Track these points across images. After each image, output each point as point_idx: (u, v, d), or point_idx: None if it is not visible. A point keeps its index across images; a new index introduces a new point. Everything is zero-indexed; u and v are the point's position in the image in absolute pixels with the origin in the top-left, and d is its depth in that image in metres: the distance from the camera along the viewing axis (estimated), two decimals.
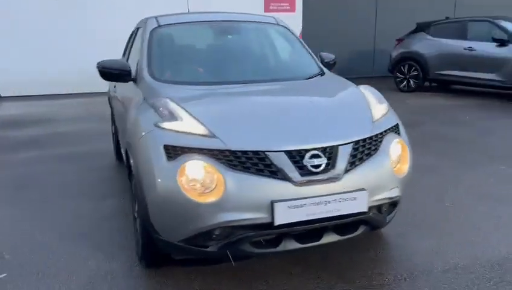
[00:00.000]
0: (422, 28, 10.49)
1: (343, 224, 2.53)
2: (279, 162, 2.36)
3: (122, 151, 4.15)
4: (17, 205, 4.02)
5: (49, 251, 3.17)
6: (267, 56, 3.83)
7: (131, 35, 4.50)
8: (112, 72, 3.37)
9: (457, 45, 9.58)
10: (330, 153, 2.45)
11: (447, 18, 10.67)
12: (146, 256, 2.81)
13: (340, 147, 2.47)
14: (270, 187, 2.33)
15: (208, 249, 2.46)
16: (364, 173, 2.50)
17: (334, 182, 2.41)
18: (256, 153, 2.37)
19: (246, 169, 2.35)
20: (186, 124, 2.51)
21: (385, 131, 2.74)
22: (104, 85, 5.11)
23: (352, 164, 2.49)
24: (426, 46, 10.11)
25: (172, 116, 2.56)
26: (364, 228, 2.66)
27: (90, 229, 3.51)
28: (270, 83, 3.27)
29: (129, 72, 3.36)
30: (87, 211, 3.87)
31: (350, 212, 2.45)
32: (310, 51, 3.84)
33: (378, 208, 2.65)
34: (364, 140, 2.58)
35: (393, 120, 2.89)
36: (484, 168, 4.84)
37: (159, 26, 3.67)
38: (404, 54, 10.54)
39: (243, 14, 4.03)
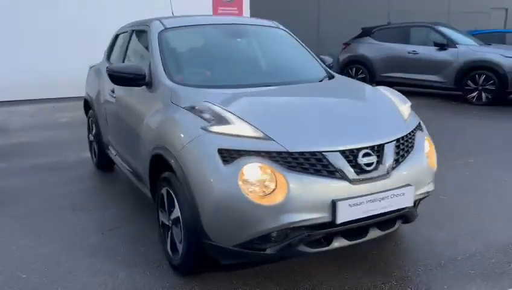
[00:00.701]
0: (367, 32, 11.04)
1: (385, 219, 2.64)
2: (335, 161, 2.42)
3: (118, 159, 3.99)
4: (14, 220, 3.72)
5: (66, 266, 2.98)
6: (279, 59, 3.87)
7: (124, 38, 4.32)
8: (125, 77, 3.25)
9: (402, 49, 10.20)
10: (378, 151, 2.55)
11: (389, 23, 11.31)
12: (187, 263, 2.73)
13: (386, 145, 2.59)
14: (330, 187, 2.38)
15: (266, 252, 2.45)
16: (407, 169, 2.63)
17: (385, 179, 2.52)
18: (313, 153, 2.41)
19: (304, 170, 2.38)
20: (238, 127, 2.49)
21: (415, 129, 2.90)
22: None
23: (397, 161, 2.62)
24: (372, 50, 10.67)
25: (222, 120, 2.53)
26: (400, 222, 2.79)
27: (103, 241, 3.34)
28: (292, 85, 3.32)
29: (144, 76, 3.25)
30: (91, 222, 3.67)
31: (400, 207, 2.57)
32: (313, 54, 3.94)
33: (415, 202, 2.79)
34: (403, 138, 2.72)
35: (417, 119, 3.07)
36: (456, 162, 5.23)
37: (166, 28, 3.58)
38: (351, 58, 11.04)
39: (244, 18, 4.04)
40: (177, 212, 2.71)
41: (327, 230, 2.43)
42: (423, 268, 2.93)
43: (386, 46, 10.50)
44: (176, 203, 2.69)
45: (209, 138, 2.47)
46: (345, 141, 2.50)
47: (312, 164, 2.40)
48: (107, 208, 3.97)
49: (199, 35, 3.78)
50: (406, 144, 2.73)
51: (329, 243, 2.52)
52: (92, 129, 4.98)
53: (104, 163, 4.93)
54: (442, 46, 9.63)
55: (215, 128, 2.50)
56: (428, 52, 9.84)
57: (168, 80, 3.17)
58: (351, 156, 2.47)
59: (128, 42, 4.11)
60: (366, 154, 2.50)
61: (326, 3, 14.13)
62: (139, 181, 3.56)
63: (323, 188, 2.37)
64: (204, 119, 2.58)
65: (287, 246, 2.43)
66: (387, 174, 2.53)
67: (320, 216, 2.38)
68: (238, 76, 3.42)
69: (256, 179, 2.33)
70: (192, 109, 2.70)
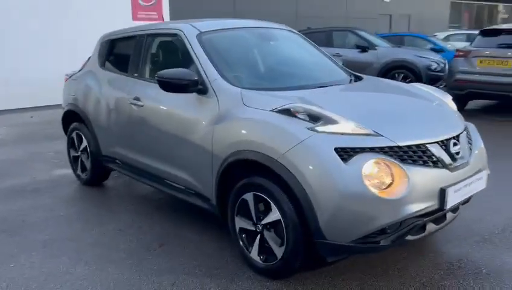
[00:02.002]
0: None
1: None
2: (437, 152, 2.63)
3: (138, 172, 3.72)
4: (37, 252, 3.31)
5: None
6: (311, 61, 3.95)
7: (131, 44, 4.03)
8: (178, 83, 3.12)
9: (327, 52, 10.84)
10: (458, 140, 2.82)
11: (309, 28, 11.94)
12: (290, 266, 2.74)
13: (461, 135, 2.87)
14: (437, 176, 2.59)
15: (381, 244, 2.56)
16: (476, 156, 2.94)
17: (468, 165, 2.79)
18: (418, 146, 2.59)
19: (414, 162, 2.55)
20: (345, 126, 2.57)
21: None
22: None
23: (470, 149, 2.91)
24: None
25: (328, 120, 2.58)
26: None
27: (155, 258, 3.14)
28: (343, 85, 3.45)
29: (197, 81, 3.14)
30: (136, 242, 3.41)
31: (479, 190, 2.87)
32: (329, 55, 4.12)
33: None
34: (465, 128, 3.02)
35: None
36: None
37: (202, 32, 3.48)
38: None
39: (260, 21, 4.06)
40: (274, 216, 2.69)
41: (435, 215, 2.62)
42: (475, 244, 3.27)
43: None
44: (274, 207, 2.67)
45: (321, 138, 2.52)
46: (439, 133, 2.73)
47: (419, 156, 2.58)
48: (141, 221, 3.72)
49: (236, 38, 3.72)
50: (468, 134, 3.04)
51: (424, 229, 2.72)
52: (80, 143, 4.57)
53: (97, 178, 4.57)
54: (364, 49, 10.46)
55: (325, 128, 2.55)
56: (351, 54, 10.60)
57: (228, 84, 3.11)
58: (444, 146, 2.69)
59: (144, 48, 3.87)
60: (454, 144, 2.74)
61: (242, 7, 14.40)
62: (182, 192, 3.41)
63: (433, 177, 2.57)
64: (304, 120, 2.61)
65: (399, 236, 2.57)
66: (468, 161, 2.81)
67: (432, 204, 2.57)
68: (289, 78, 3.47)
69: (376, 175, 2.44)
70: (285, 111, 2.70)
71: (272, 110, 2.77)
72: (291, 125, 2.64)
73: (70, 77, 4.82)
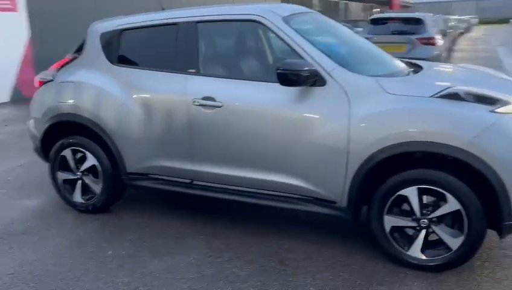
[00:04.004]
0: None
1: None
2: None
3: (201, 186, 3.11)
4: None
5: None
6: (364, 47, 3.75)
7: (160, 33, 3.33)
8: (301, 75, 2.74)
9: None
10: None
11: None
12: (467, 255, 2.70)
13: None
14: None
15: None
16: None
17: None
18: None
19: None
20: None
21: None
22: None
23: None
24: None
25: (503, 101, 2.59)
26: None
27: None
28: (424, 71, 3.35)
29: (316, 72, 2.80)
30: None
31: None
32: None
33: None
34: None
35: None
36: None
37: (285, 17, 3.06)
38: None
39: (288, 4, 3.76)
40: (448, 208, 2.62)
41: None
42: None
43: None
44: (451, 198, 2.59)
45: (509, 120, 2.53)
46: None
47: None
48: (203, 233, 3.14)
49: (314, 23, 3.35)
50: None
51: None
52: (81, 162, 3.63)
53: (111, 202, 3.71)
54: None
55: (506, 110, 2.56)
56: None
57: (353, 73, 2.84)
58: None
59: (201, 37, 3.19)
60: None
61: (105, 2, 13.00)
62: (285, 201, 3.03)
63: None
64: (475, 103, 2.58)
65: None
66: None
67: None
68: (375, 65, 3.31)
69: None
70: (452, 95, 2.61)
71: (433, 96, 2.63)
72: (471, 110, 2.56)
73: (48, 80, 3.72)
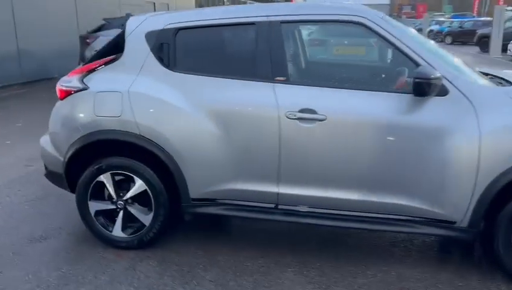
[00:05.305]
0: (113, 25, 9.99)
1: None
2: None
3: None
4: None
5: None
6: None
7: (251, 33, 2.77)
8: (437, 84, 2.50)
9: None
10: None
11: (128, 14, 10.58)
12: None
13: None
14: None
15: None
16: None
17: None
18: None
19: None
20: None
21: None
22: None
23: None
24: None
25: None
26: None
27: None
28: None
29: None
30: None
31: None
32: None
33: None
34: None
35: None
36: None
37: (383, 17, 2.78)
38: None
39: None
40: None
41: None
42: None
43: None
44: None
45: None
46: None
47: None
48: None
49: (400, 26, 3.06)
50: None
51: None
52: (123, 189, 3.01)
53: (162, 233, 3.11)
54: None
55: None
56: None
57: (475, 81, 2.66)
58: None
59: (286, 40, 2.76)
60: None
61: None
62: (395, 224, 2.76)
63: None
64: None
65: None
66: None
67: None
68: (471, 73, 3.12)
69: None
70: None
71: None
72: None
73: (78, 89, 2.98)
